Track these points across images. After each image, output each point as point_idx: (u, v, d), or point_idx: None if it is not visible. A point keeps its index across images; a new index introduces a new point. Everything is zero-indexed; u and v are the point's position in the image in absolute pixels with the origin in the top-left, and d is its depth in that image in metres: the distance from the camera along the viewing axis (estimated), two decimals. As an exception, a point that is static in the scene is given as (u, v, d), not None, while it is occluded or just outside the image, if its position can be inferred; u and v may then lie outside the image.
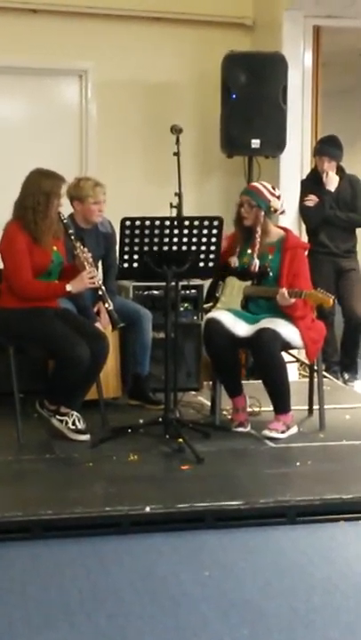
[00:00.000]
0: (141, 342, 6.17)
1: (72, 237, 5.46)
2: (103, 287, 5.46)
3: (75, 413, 5.42)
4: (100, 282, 5.44)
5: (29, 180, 5.40)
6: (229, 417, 5.79)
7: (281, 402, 5.54)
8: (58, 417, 5.43)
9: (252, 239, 5.68)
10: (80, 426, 5.40)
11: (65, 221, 5.48)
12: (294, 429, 5.58)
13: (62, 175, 5.46)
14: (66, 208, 6.07)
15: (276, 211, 5.70)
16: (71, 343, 5.25)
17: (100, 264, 6.14)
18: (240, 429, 5.61)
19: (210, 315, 5.66)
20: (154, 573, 3.81)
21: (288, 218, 7.07)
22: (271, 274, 5.62)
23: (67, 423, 5.40)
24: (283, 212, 5.89)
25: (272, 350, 5.43)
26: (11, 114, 7.52)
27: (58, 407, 5.45)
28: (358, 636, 3.28)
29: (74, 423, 5.40)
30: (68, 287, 5.33)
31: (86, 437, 5.36)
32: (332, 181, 7.23)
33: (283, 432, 5.49)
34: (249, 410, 5.79)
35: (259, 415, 5.78)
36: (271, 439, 5.43)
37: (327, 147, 7.31)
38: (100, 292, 5.42)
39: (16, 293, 5.34)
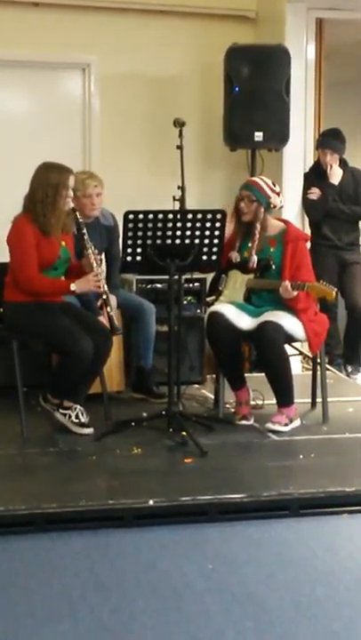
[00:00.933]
0: (145, 336, 6.17)
1: (85, 237, 5.46)
2: (108, 291, 5.44)
3: (78, 407, 5.43)
4: (105, 287, 5.42)
5: (37, 174, 5.42)
6: (232, 410, 5.79)
7: (284, 395, 5.54)
8: (61, 411, 5.43)
9: (251, 234, 5.67)
10: (83, 419, 5.41)
11: (80, 220, 5.48)
12: (297, 422, 5.59)
13: (69, 167, 5.47)
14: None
15: (275, 207, 5.70)
16: (75, 337, 5.25)
17: (102, 257, 6.14)
18: (243, 422, 5.62)
19: (213, 308, 5.66)
20: (157, 566, 3.82)
21: (291, 211, 7.07)
22: (274, 266, 5.62)
23: (70, 417, 5.40)
24: (281, 207, 5.86)
25: (275, 343, 5.43)
26: (14, 107, 7.52)
27: (61, 401, 5.45)
28: (361, 629, 3.29)
29: (77, 417, 5.40)
30: (73, 287, 5.33)
31: (90, 431, 5.37)
32: (335, 175, 7.22)
33: (286, 425, 5.49)
34: (252, 403, 5.79)
35: (262, 408, 5.78)
36: (275, 432, 5.44)
37: (329, 139, 7.30)
38: (105, 297, 5.41)
39: (21, 287, 5.35)
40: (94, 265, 5.41)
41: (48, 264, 5.37)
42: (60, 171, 5.42)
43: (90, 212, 6.04)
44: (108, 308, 5.42)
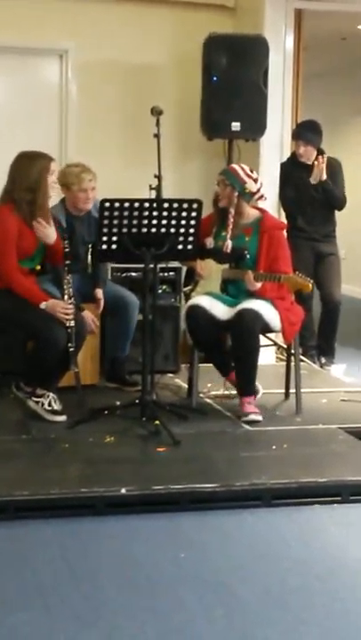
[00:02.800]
0: (125, 328, 6.11)
1: (66, 266, 5.46)
2: (73, 328, 5.36)
3: (50, 394, 5.41)
4: (73, 323, 5.34)
5: (17, 163, 5.41)
6: (207, 400, 5.81)
7: (251, 382, 5.56)
8: (34, 398, 5.42)
9: (226, 220, 5.67)
10: (56, 407, 5.39)
11: (66, 249, 5.48)
12: None
13: (48, 154, 5.48)
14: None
15: (252, 194, 5.69)
16: (49, 325, 5.24)
17: (89, 248, 6.13)
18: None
19: (191, 301, 5.66)
20: (129, 555, 3.82)
21: (269, 201, 7.05)
22: (248, 256, 5.62)
23: (42, 404, 5.39)
24: (261, 197, 5.84)
25: (252, 330, 5.43)
26: (-10, 93, 7.47)
27: (34, 389, 5.44)
28: (332, 619, 3.30)
29: (50, 404, 5.39)
30: (43, 305, 5.31)
31: (62, 418, 5.35)
32: (317, 176, 7.15)
33: (260, 413, 5.50)
34: (226, 392, 5.80)
35: (235, 398, 5.78)
36: (253, 422, 5.43)
37: (304, 131, 7.29)
38: (69, 331, 5.32)
39: None
40: (67, 296, 5.39)
41: (25, 254, 5.36)
42: (42, 159, 5.43)
43: (84, 205, 6.01)
44: (69, 344, 5.33)
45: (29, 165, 5.37)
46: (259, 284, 5.47)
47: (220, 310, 5.54)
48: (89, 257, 6.24)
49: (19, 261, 5.35)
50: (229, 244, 5.62)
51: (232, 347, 5.56)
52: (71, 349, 5.33)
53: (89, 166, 6.13)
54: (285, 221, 7.07)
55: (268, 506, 4.39)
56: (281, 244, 5.70)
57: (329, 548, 3.96)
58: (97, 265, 6.11)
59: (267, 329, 5.58)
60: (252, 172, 5.71)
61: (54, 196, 5.65)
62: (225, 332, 5.61)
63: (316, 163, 7.14)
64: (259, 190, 5.71)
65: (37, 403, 5.41)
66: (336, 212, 7.44)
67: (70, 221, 5.97)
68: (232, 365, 5.70)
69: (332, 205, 7.35)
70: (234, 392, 5.79)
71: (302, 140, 7.22)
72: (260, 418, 5.48)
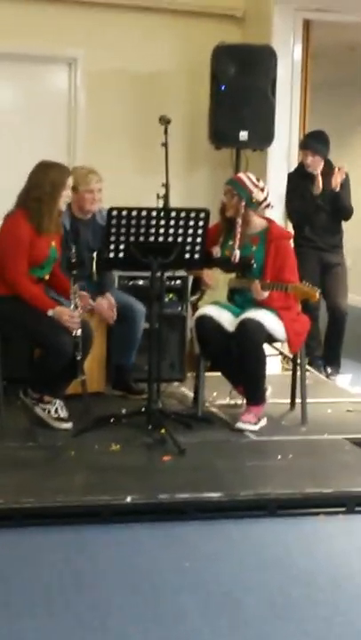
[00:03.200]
0: (132, 337, 6.11)
1: (72, 278, 5.46)
2: (80, 337, 5.35)
3: (57, 401, 5.43)
4: (79, 332, 5.34)
5: (36, 172, 5.42)
6: (213, 409, 5.81)
7: (256, 392, 5.55)
8: (41, 405, 5.43)
9: (234, 230, 5.68)
10: (62, 414, 5.41)
11: (73, 260, 5.48)
12: (264, 421, 5.58)
13: (67, 166, 5.52)
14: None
15: (259, 203, 5.70)
16: (55, 332, 5.25)
17: (94, 255, 6.14)
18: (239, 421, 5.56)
19: (200, 311, 5.66)
20: (134, 563, 3.83)
21: (276, 211, 7.07)
22: (255, 265, 5.63)
23: (49, 411, 5.40)
24: (268, 206, 5.85)
25: (255, 340, 5.43)
26: (-1, 100, 7.50)
27: (41, 396, 5.45)
28: (335, 630, 3.30)
29: (56, 411, 5.40)
30: (50, 312, 5.30)
31: (69, 425, 5.36)
32: (319, 187, 7.15)
33: (255, 424, 5.49)
34: (232, 402, 5.81)
35: (241, 407, 5.78)
36: (245, 431, 5.44)
37: (311, 141, 7.30)
38: (76, 340, 5.32)
39: (6, 281, 5.34)
40: (74, 306, 5.39)
41: (36, 263, 5.37)
42: (60, 170, 5.45)
43: (90, 206, 6.02)
44: (77, 353, 5.32)
45: (45, 176, 5.38)
46: (266, 294, 5.47)
47: (227, 320, 5.55)
48: (94, 265, 6.24)
49: (30, 269, 5.36)
50: (237, 253, 5.63)
51: (237, 356, 5.56)
52: (78, 358, 5.33)
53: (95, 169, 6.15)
54: (292, 231, 7.08)
55: (273, 516, 4.39)
56: (288, 254, 5.71)
57: (334, 558, 3.96)
58: (102, 272, 6.11)
59: (271, 339, 5.59)
60: (258, 180, 5.72)
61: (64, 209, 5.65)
62: (231, 341, 5.60)
63: (336, 170, 7.13)
64: (265, 199, 5.72)
65: (44, 410, 5.42)
66: (343, 222, 7.44)
67: (75, 226, 5.99)
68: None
69: (340, 216, 7.35)
70: (240, 401, 5.80)
71: (310, 150, 7.23)
72: (251, 428, 5.46)
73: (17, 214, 5.37)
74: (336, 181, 7.10)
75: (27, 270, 5.34)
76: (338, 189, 7.13)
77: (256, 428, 5.48)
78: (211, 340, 5.59)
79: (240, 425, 5.48)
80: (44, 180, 5.36)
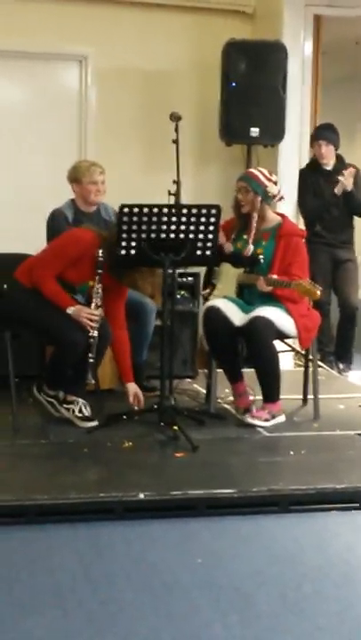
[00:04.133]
0: (143, 333, 6.13)
1: (98, 275, 5.41)
2: (96, 338, 5.33)
3: (80, 400, 5.45)
4: (95, 333, 5.32)
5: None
6: (225, 405, 5.81)
7: (270, 390, 5.55)
8: (65, 405, 5.45)
9: (248, 225, 5.68)
10: (87, 412, 5.42)
11: (100, 258, 5.41)
12: (281, 418, 5.58)
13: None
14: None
15: (274, 196, 5.71)
16: (67, 326, 5.25)
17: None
18: (248, 418, 5.53)
19: (209, 303, 5.67)
20: (146, 560, 3.83)
21: (287, 207, 7.07)
22: (263, 261, 5.63)
23: (74, 411, 5.42)
24: (281, 199, 5.86)
25: (265, 338, 5.44)
26: (10, 98, 7.51)
27: (57, 392, 5.47)
28: (347, 625, 3.30)
29: (80, 410, 5.42)
30: (70, 310, 5.29)
31: (94, 424, 5.38)
32: (343, 187, 7.13)
33: (266, 420, 5.49)
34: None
35: (253, 404, 5.78)
36: (255, 427, 5.44)
37: (323, 131, 7.29)
38: (92, 340, 5.31)
39: (33, 273, 5.36)
40: (94, 304, 5.36)
41: (71, 281, 5.38)
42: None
43: (95, 197, 6.05)
44: (90, 355, 5.31)
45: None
46: (269, 288, 5.47)
47: (236, 315, 5.55)
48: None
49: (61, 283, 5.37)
50: (251, 248, 5.64)
51: (248, 354, 5.56)
52: (91, 360, 5.31)
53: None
54: (304, 227, 7.08)
55: (285, 512, 4.39)
56: (298, 251, 5.69)
57: (345, 554, 3.96)
58: None
59: (282, 335, 5.59)
60: (270, 174, 5.73)
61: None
62: (239, 337, 5.61)
63: (344, 173, 7.11)
64: (279, 192, 5.72)
65: (68, 410, 5.45)
66: (354, 218, 7.44)
67: (79, 218, 6.00)
68: (240, 375, 5.71)
69: (354, 212, 7.34)
70: (252, 398, 5.77)
71: (323, 139, 7.20)
72: (262, 423, 5.47)
73: (91, 233, 5.40)
74: (349, 181, 7.09)
75: (56, 275, 5.33)
76: (350, 189, 7.12)
77: (267, 424, 5.48)
78: (218, 332, 5.58)
79: (249, 419, 5.48)
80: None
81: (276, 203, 5.88)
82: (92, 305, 5.36)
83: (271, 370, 5.49)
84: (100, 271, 5.40)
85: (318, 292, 5.39)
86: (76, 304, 5.35)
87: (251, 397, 5.79)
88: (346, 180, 7.08)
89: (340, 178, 7.09)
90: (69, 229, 5.66)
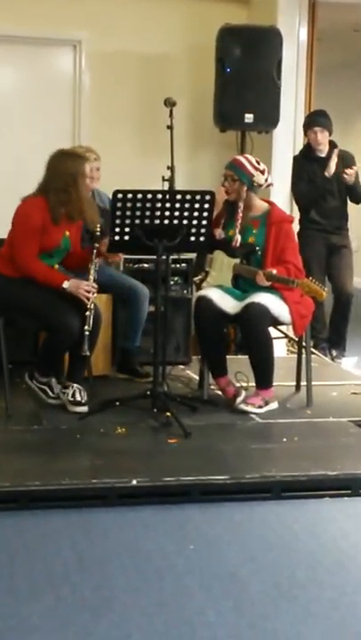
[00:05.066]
0: (136, 319, 6.12)
1: (94, 250, 5.42)
2: (92, 310, 5.32)
3: (75, 385, 5.44)
4: (93, 306, 5.31)
5: (53, 162, 5.40)
6: (218, 391, 5.80)
7: (264, 377, 5.54)
8: (62, 390, 5.44)
9: (235, 214, 5.66)
10: (79, 397, 5.41)
11: (97, 234, 5.44)
12: (274, 405, 5.58)
13: (83, 155, 5.56)
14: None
15: (260, 185, 5.67)
16: (60, 312, 5.24)
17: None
18: (240, 404, 5.52)
19: (201, 292, 5.66)
20: (139, 546, 3.83)
21: (281, 193, 7.07)
22: (260, 252, 5.61)
23: (67, 395, 5.41)
24: (270, 185, 5.82)
25: (260, 324, 5.43)
26: (3, 83, 7.49)
27: (49, 379, 5.46)
28: (341, 612, 3.31)
29: (73, 395, 5.41)
30: (66, 284, 5.28)
31: (83, 409, 5.36)
32: (332, 168, 7.12)
33: (260, 407, 5.50)
34: (237, 385, 5.81)
35: (246, 390, 5.78)
36: (246, 413, 5.44)
37: (316, 117, 7.27)
38: (88, 313, 5.29)
39: (16, 264, 5.34)
40: (92, 277, 5.36)
41: (46, 250, 5.36)
42: (78, 159, 5.45)
43: (90, 183, 6.03)
44: (86, 327, 5.28)
45: (64, 166, 5.36)
46: (268, 283, 5.46)
47: (230, 304, 5.54)
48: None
49: (39, 256, 5.34)
50: (238, 238, 5.61)
51: (242, 340, 5.55)
52: (87, 332, 5.29)
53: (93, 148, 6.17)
54: (298, 214, 7.07)
55: (278, 498, 4.39)
56: (289, 237, 5.67)
57: (338, 540, 3.96)
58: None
59: (276, 322, 5.58)
60: (258, 162, 5.67)
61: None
62: (233, 325, 5.59)
63: (346, 172, 7.10)
64: (266, 180, 5.68)
65: (64, 393, 5.44)
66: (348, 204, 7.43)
67: None
68: (224, 370, 5.70)
69: (353, 199, 7.34)
70: (245, 384, 5.78)
71: (318, 125, 7.17)
72: (255, 410, 5.47)
73: (34, 200, 5.36)
74: (351, 174, 7.08)
75: (36, 253, 5.33)
76: (352, 181, 7.12)
77: (260, 410, 5.48)
78: (207, 322, 5.57)
79: (242, 406, 5.47)
80: (62, 170, 5.33)
81: (265, 190, 5.84)
82: (91, 278, 5.35)
83: (266, 356, 5.49)
84: (96, 245, 5.39)
85: (325, 293, 5.37)
86: (70, 278, 5.34)
87: (244, 383, 5.79)
88: (349, 177, 7.07)
89: (344, 176, 7.07)
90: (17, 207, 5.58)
